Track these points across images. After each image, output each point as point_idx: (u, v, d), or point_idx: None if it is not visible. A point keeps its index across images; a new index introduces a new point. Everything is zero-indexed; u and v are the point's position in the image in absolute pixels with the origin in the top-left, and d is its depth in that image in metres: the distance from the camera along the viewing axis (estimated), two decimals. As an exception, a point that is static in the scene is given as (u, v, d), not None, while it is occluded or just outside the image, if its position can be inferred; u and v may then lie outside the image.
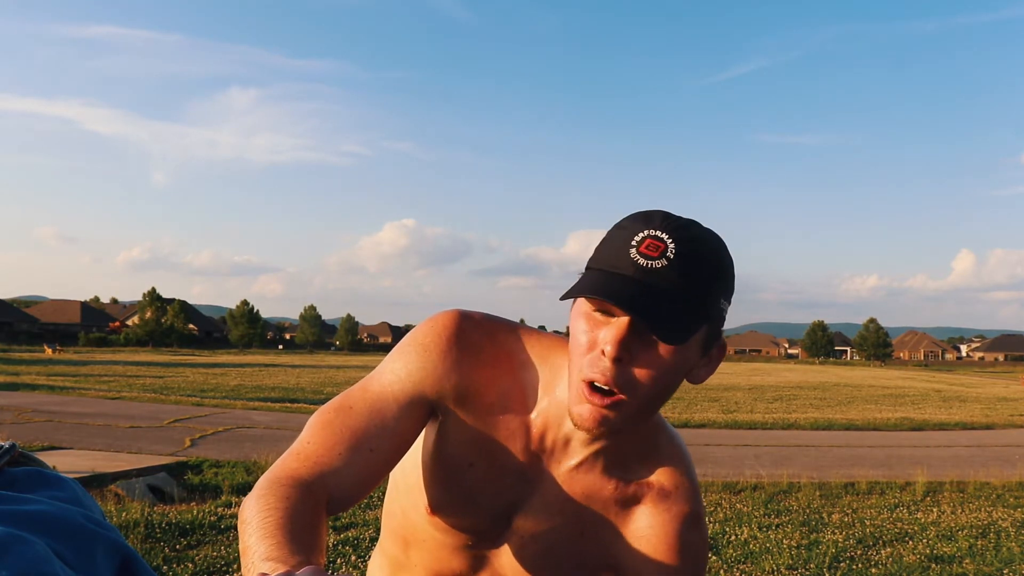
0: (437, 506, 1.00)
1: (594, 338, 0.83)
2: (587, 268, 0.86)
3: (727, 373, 43.01)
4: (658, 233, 0.81)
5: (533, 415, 0.95)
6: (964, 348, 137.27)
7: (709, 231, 0.85)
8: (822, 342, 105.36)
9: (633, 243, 0.82)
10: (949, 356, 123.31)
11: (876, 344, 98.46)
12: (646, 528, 0.97)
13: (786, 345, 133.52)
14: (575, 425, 0.86)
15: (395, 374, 0.93)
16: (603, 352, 0.82)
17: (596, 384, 0.83)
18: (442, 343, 0.93)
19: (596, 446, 0.94)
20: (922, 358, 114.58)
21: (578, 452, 0.95)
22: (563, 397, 0.92)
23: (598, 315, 0.83)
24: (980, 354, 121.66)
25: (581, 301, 0.86)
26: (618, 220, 0.87)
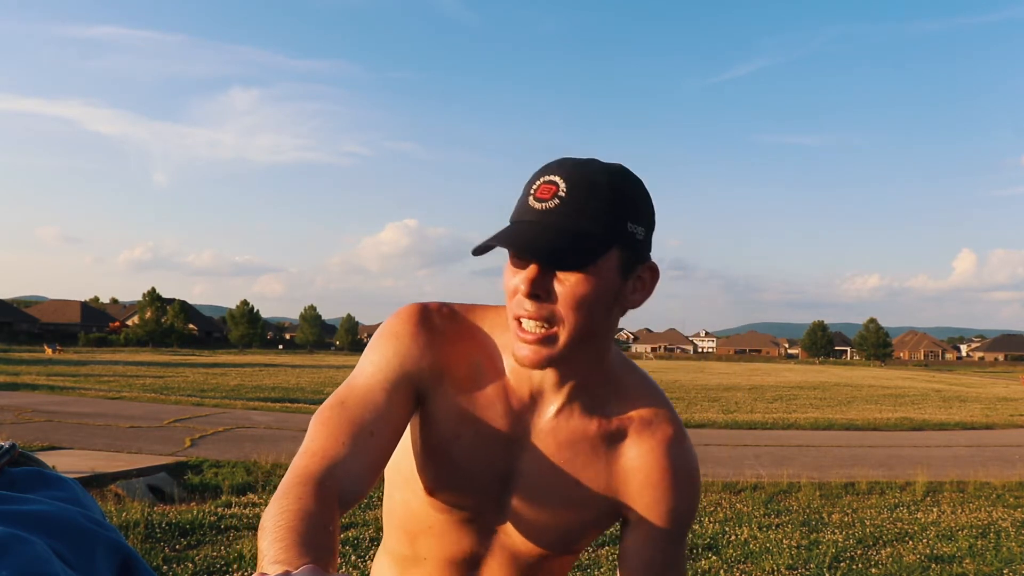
0: (435, 486, 1.04)
1: (516, 282, 0.91)
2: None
3: (727, 373, 42.97)
4: (551, 176, 0.89)
5: (505, 377, 1.01)
6: (964, 348, 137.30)
7: (606, 165, 0.91)
8: (822, 342, 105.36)
9: (532, 191, 0.90)
10: (949, 356, 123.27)
11: (876, 344, 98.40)
12: (635, 458, 1.02)
13: (786, 345, 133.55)
14: (518, 363, 0.92)
15: (375, 365, 0.99)
16: (519, 291, 0.90)
17: (523, 320, 0.90)
18: (410, 328, 1.00)
19: (566, 387, 0.99)
20: (922, 358, 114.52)
21: (553, 398, 1.00)
22: None
23: (517, 264, 0.91)
24: (980, 354, 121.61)
25: (508, 256, 0.94)
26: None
